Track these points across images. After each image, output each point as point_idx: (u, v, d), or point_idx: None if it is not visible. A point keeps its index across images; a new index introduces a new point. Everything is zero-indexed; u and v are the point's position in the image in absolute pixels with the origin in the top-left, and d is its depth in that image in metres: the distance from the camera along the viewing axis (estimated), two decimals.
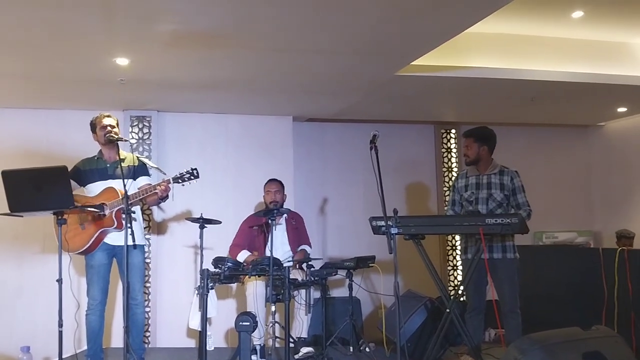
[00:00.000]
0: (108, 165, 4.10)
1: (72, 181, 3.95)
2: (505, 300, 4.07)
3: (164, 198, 4.06)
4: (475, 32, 4.46)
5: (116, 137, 3.93)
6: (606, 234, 6.89)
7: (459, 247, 6.37)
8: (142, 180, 4.18)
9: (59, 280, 3.55)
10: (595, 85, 5.15)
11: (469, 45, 4.70)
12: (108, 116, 4.13)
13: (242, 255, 4.86)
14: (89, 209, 3.84)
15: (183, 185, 4.02)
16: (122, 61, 4.10)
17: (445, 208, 4.44)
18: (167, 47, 3.83)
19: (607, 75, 5.08)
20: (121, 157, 3.88)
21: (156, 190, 3.95)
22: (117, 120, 4.20)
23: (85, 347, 4.18)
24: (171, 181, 3.98)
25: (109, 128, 4.04)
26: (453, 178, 4.51)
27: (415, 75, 4.66)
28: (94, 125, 4.13)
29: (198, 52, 4.00)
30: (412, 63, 4.38)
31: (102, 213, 3.91)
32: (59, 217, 3.59)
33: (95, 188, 4.06)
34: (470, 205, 4.22)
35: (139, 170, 4.19)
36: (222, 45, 3.86)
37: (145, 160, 4.29)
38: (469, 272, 3.89)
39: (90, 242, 3.93)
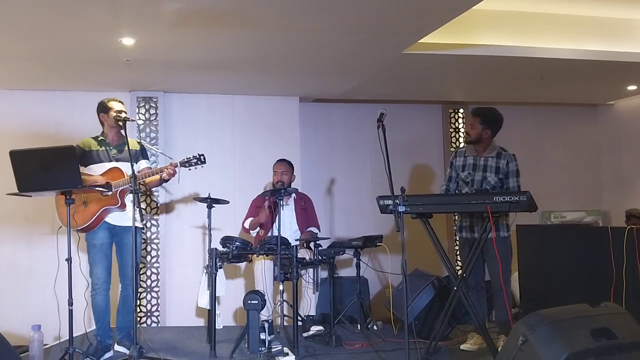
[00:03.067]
0: (111, 147, 4.12)
1: None
2: (496, 278, 4.11)
3: (166, 180, 4.08)
4: (483, 9, 4.41)
5: (123, 116, 3.92)
6: (614, 213, 6.86)
7: None
8: (142, 164, 4.22)
9: (68, 260, 3.58)
10: (605, 63, 5.09)
11: (477, 23, 4.64)
12: (120, 102, 4.14)
13: (248, 222, 4.96)
14: (96, 188, 3.85)
15: (189, 169, 4.04)
16: (128, 41, 4.09)
17: (442, 184, 4.44)
18: (172, 26, 3.81)
19: (617, 53, 5.02)
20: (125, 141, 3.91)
21: (162, 173, 3.97)
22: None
23: (95, 327, 4.23)
24: (178, 165, 4.00)
25: (122, 113, 4.04)
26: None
27: (422, 53, 4.62)
28: (105, 107, 4.11)
29: (203, 32, 3.98)
30: (420, 41, 4.34)
31: (108, 192, 3.93)
32: (67, 197, 3.61)
33: (98, 169, 4.06)
34: (466, 186, 4.25)
35: (139, 154, 4.23)
36: (227, 25, 3.84)
37: (147, 145, 4.34)
38: (476, 251, 3.88)
39: (92, 219, 3.95)
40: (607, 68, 5.25)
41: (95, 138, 4.16)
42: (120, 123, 3.88)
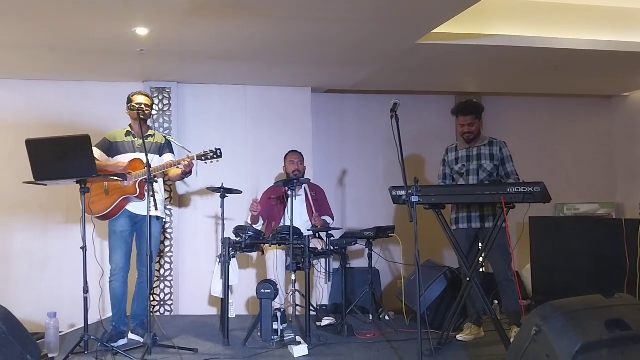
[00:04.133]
0: (136, 139, 4.23)
1: (101, 152, 4.14)
2: (498, 269, 4.10)
3: (188, 174, 4.14)
4: None
5: (137, 107, 4.08)
6: (628, 206, 6.79)
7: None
8: (167, 157, 4.33)
9: (83, 248, 3.63)
10: (620, 54, 5.02)
11: (491, 13, 4.60)
12: (145, 95, 4.26)
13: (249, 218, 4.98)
14: (111, 177, 3.91)
15: (206, 163, 4.09)
16: (142, 31, 4.10)
17: (438, 182, 4.44)
18: (185, 16, 3.82)
19: (632, 44, 4.95)
20: (150, 133, 4.22)
21: (180, 165, 4.03)
22: (152, 103, 4.41)
23: (109, 314, 4.28)
24: (195, 158, 4.05)
25: (143, 106, 4.13)
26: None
27: (436, 43, 4.58)
28: (128, 100, 4.26)
29: (216, 22, 3.98)
30: (433, 31, 4.32)
31: (123, 181, 4.00)
32: (82, 186, 3.66)
33: (123, 160, 4.17)
34: (460, 177, 4.28)
35: (165, 147, 4.35)
36: (240, 14, 3.84)
37: (174, 141, 4.44)
38: (489, 243, 3.87)
39: (112, 207, 4.03)
40: (622, 59, 5.19)
41: (123, 130, 4.29)
42: (142, 115, 4.03)
